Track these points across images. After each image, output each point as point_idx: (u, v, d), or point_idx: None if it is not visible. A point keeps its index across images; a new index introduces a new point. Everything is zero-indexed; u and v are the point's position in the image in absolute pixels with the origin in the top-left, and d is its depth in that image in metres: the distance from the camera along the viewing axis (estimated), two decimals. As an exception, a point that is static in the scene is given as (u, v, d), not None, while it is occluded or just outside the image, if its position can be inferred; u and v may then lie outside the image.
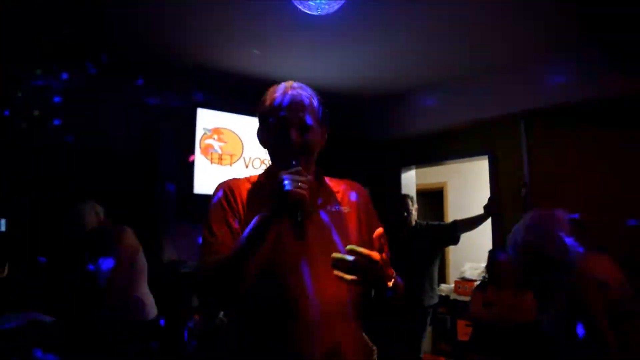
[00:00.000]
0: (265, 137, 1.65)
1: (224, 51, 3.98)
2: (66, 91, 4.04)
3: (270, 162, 1.67)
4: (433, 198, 7.05)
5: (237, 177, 1.69)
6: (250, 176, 1.70)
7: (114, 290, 3.35)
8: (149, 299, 3.57)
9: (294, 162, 1.44)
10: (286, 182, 1.36)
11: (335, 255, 1.36)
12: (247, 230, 1.40)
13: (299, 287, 1.45)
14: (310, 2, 2.23)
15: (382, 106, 5.34)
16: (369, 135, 5.51)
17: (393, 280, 1.44)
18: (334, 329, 1.48)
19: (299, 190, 1.35)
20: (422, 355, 4.56)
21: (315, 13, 2.31)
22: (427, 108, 5.04)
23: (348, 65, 4.33)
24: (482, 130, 4.76)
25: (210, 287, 1.45)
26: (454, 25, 3.56)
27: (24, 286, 3.61)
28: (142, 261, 3.57)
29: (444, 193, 7.10)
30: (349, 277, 1.33)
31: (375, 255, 1.36)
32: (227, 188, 1.61)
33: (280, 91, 1.62)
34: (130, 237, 3.52)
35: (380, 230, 1.42)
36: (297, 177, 1.37)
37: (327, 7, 2.23)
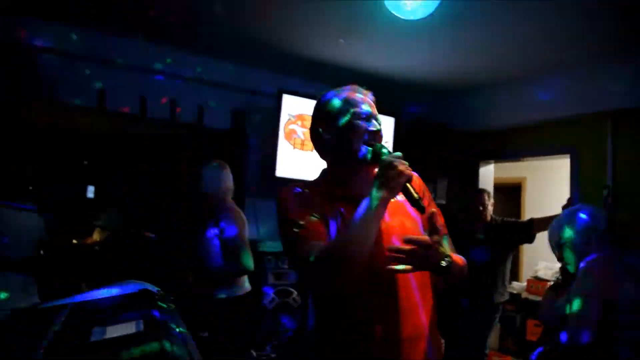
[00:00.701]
0: (341, 133, 1.65)
1: (312, 40, 4.11)
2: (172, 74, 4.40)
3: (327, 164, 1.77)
4: (510, 193, 6.95)
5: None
6: (304, 181, 1.76)
7: (233, 261, 3.43)
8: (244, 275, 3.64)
9: (385, 150, 1.57)
10: (396, 163, 1.48)
11: (391, 247, 1.48)
12: (361, 212, 1.46)
13: (390, 269, 1.51)
14: (404, 8, 2.31)
15: (464, 98, 5.33)
16: (450, 127, 5.52)
17: (448, 258, 1.52)
18: (419, 312, 1.59)
19: (408, 170, 1.49)
20: (487, 352, 4.59)
21: (409, 18, 2.39)
22: (509, 103, 4.99)
23: (433, 58, 4.36)
24: (565, 127, 4.68)
25: (338, 270, 1.44)
26: (539, 22, 3.52)
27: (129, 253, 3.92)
28: (247, 236, 3.60)
29: (522, 189, 7.00)
30: (402, 267, 1.45)
31: (428, 240, 1.46)
32: (298, 187, 1.68)
33: (348, 91, 1.72)
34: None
35: (432, 210, 1.53)
36: (401, 160, 1.51)
37: (421, 11, 2.31)
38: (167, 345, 1.08)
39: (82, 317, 1.42)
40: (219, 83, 4.62)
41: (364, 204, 1.48)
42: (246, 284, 3.64)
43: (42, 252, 3.64)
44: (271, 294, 4.55)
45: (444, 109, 5.52)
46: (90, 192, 7.87)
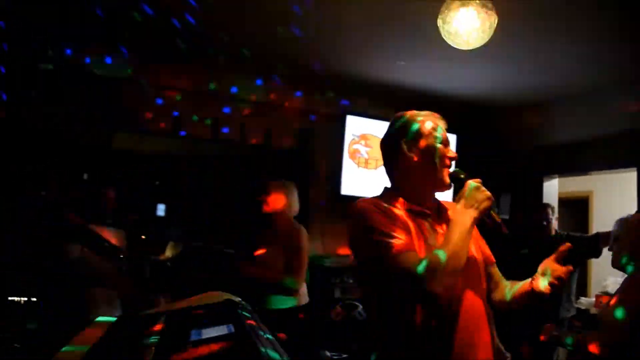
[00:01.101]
0: (425, 154, 1.74)
1: (373, 63, 4.28)
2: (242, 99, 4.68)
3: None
4: (577, 207, 6.84)
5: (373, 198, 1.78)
6: (374, 197, 1.79)
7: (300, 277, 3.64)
8: (305, 288, 3.83)
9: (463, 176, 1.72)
10: (483, 188, 1.64)
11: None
12: (457, 229, 1.56)
13: (460, 288, 1.62)
14: (460, 39, 2.43)
15: (526, 115, 5.35)
16: (513, 144, 5.54)
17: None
18: (486, 330, 1.69)
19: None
20: (554, 366, 4.55)
21: (463, 48, 2.51)
22: (573, 117, 4.98)
23: (494, 75, 4.43)
24: (631, 140, 4.62)
25: (442, 280, 1.50)
26: (598, 36, 3.56)
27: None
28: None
29: (589, 202, 6.87)
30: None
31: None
32: (375, 201, 1.72)
33: (430, 116, 1.84)
34: None
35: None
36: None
37: (477, 42, 2.42)
38: (261, 347, 1.24)
39: (178, 322, 1.61)
40: (285, 106, 4.85)
41: (457, 221, 1.59)
42: (306, 297, 3.82)
43: (123, 268, 3.90)
44: (337, 307, 4.70)
45: (506, 124, 5.55)
46: (161, 210, 8.27)
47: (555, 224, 4.62)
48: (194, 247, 3.83)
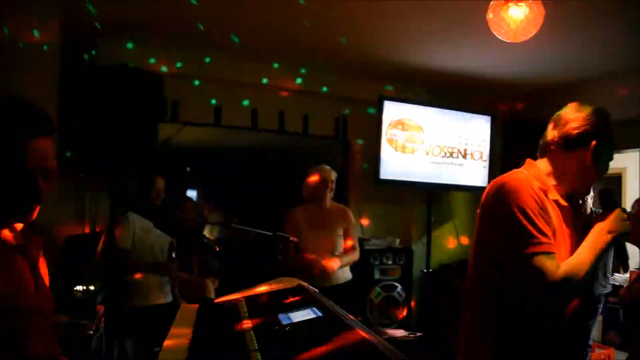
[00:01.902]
0: (599, 159, 1.79)
1: (410, 47, 4.35)
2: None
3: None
4: (611, 185, 6.83)
5: (527, 177, 1.76)
6: (534, 180, 1.76)
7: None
8: None
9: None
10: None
11: None
12: (593, 246, 1.68)
13: None
14: (507, 32, 2.49)
15: (560, 96, 5.37)
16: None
17: None
18: None
19: None
20: (591, 343, 4.64)
21: (511, 41, 2.58)
22: (606, 97, 4.99)
23: (531, 56, 4.44)
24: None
25: (575, 292, 1.71)
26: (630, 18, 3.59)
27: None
28: None
29: (623, 180, 6.87)
30: None
31: None
32: (533, 186, 1.70)
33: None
34: None
35: None
36: None
37: (523, 36, 2.49)
38: (357, 327, 1.34)
39: (262, 308, 1.75)
40: (322, 93, 4.97)
41: (596, 241, 1.70)
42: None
43: (173, 255, 4.08)
44: (377, 288, 4.87)
45: (541, 105, 5.57)
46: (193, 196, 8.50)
47: (590, 202, 4.67)
48: (241, 231, 3.97)
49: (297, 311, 1.56)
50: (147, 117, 3.90)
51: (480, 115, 5.19)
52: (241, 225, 3.71)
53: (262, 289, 2.07)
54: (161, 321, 3.88)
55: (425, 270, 5.20)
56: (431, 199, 5.22)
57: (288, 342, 1.32)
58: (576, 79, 5.07)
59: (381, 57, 4.54)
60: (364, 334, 1.25)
